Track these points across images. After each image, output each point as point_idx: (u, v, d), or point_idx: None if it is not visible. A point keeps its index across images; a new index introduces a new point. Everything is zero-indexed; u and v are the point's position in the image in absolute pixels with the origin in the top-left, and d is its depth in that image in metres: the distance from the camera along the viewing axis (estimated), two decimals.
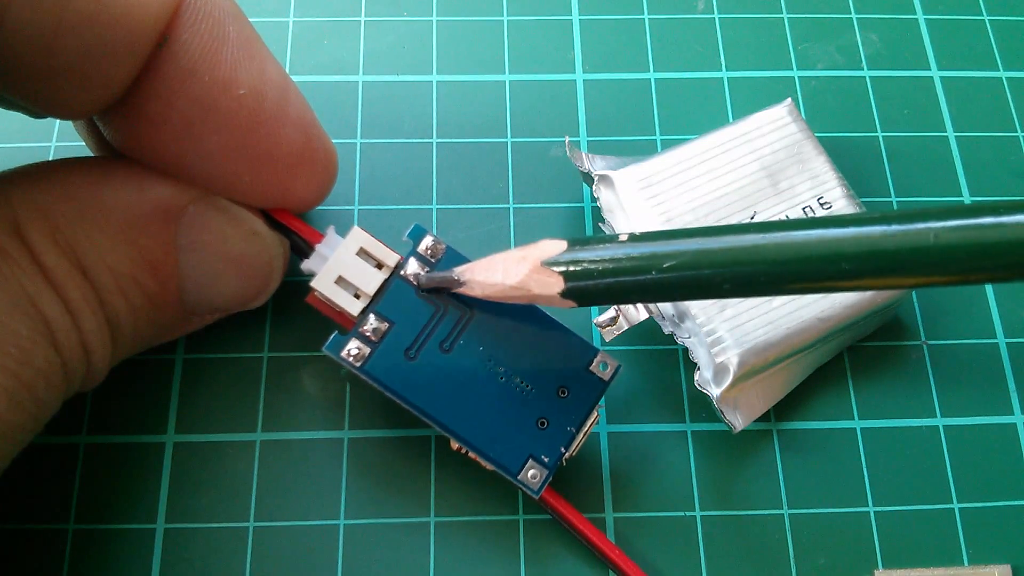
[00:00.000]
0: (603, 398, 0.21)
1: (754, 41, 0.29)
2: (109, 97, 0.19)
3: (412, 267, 0.21)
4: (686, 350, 0.23)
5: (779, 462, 0.24)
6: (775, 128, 0.25)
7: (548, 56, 0.28)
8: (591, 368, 0.21)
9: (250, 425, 0.23)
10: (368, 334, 0.20)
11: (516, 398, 0.21)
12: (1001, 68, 0.29)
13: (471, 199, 0.26)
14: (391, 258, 0.21)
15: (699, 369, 0.23)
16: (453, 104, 0.27)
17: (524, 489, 0.20)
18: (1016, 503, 0.23)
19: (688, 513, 0.23)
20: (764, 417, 0.24)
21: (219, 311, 0.22)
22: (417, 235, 0.21)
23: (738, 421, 0.23)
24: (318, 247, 0.21)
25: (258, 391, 0.24)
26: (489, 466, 0.21)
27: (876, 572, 0.22)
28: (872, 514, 0.23)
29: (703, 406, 0.24)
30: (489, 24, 0.29)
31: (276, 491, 0.23)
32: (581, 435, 0.21)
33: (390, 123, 0.27)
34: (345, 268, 0.21)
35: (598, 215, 0.25)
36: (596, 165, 0.25)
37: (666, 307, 0.23)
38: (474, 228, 0.26)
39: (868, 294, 0.23)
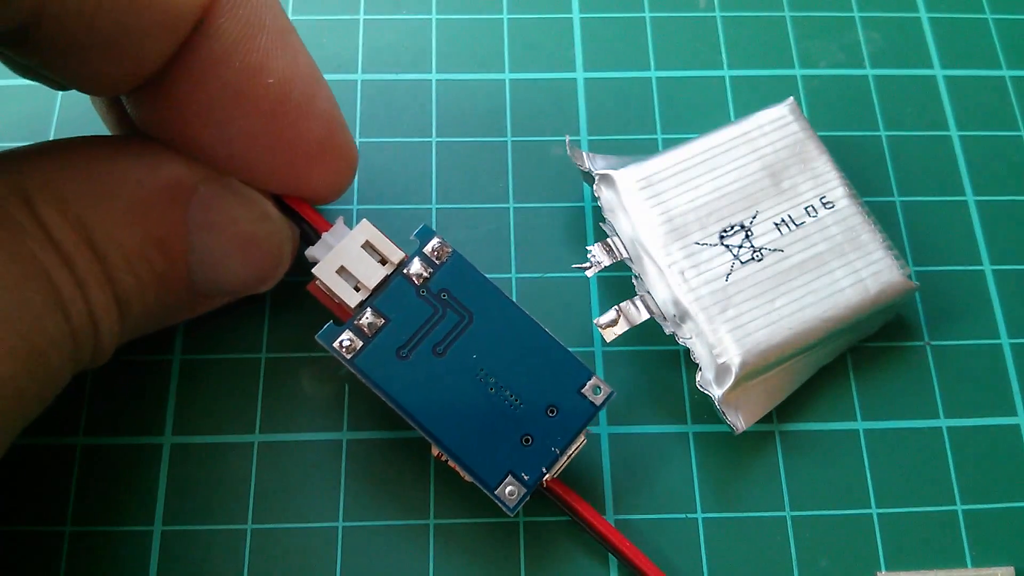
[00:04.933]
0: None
1: (756, 39, 0.29)
2: (141, 76, 0.19)
3: (415, 267, 0.21)
4: (687, 351, 0.23)
5: (781, 464, 0.23)
6: (777, 127, 0.24)
7: (548, 54, 0.28)
8: (583, 391, 0.21)
9: (248, 427, 0.23)
10: (363, 328, 0.20)
11: (504, 411, 0.20)
12: (1004, 67, 0.29)
13: (471, 198, 0.26)
14: (396, 255, 0.21)
15: (701, 370, 0.22)
16: (452, 103, 0.27)
17: (500, 505, 0.20)
18: (1019, 505, 0.23)
19: (690, 515, 0.23)
20: (766, 418, 0.24)
21: (228, 294, 0.22)
22: (424, 235, 0.21)
23: (740, 422, 0.22)
24: (325, 235, 0.21)
25: (256, 392, 0.23)
26: (468, 477, 0.20)
27: (879, 574, 0.22)
28: (875, 516, 0.23)
29: (704, 407, 0.24)
30: (489, 22, 0.28)
31: (274, 493, 0.23)
32: (565, 458, 0.20)
33: (389, 122, 0.27)
34: (349, 259, 0.21)
35: (599, 215, 0.24)
36: (597, 164, 0.24)
37: (668, 307, 0.23)
38: (474, 228, 0.25)
39: (871, 294, 0.23)
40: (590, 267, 0.23)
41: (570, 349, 0.21)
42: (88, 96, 0.23)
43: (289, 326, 0.24)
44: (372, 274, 0.21)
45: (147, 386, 0.23)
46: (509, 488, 0.20)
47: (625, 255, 0.23)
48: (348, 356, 0.20)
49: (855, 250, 0.23)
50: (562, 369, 0.21)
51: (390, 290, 0.21)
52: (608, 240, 0.24)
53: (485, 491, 0.20)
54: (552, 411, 0.21)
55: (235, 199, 0.21)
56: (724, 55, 0.28)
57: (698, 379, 0.22)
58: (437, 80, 0.27)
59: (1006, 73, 0.28)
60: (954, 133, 0.27)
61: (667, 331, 0.23)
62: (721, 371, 0.22)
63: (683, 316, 0.23)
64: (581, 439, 0.21)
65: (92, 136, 0.20)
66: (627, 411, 0.24)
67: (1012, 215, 0.26)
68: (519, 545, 0.22)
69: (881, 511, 0.23)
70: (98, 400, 0.23)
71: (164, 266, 0.20)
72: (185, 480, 0.23)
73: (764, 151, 0.24)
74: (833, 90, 0.28)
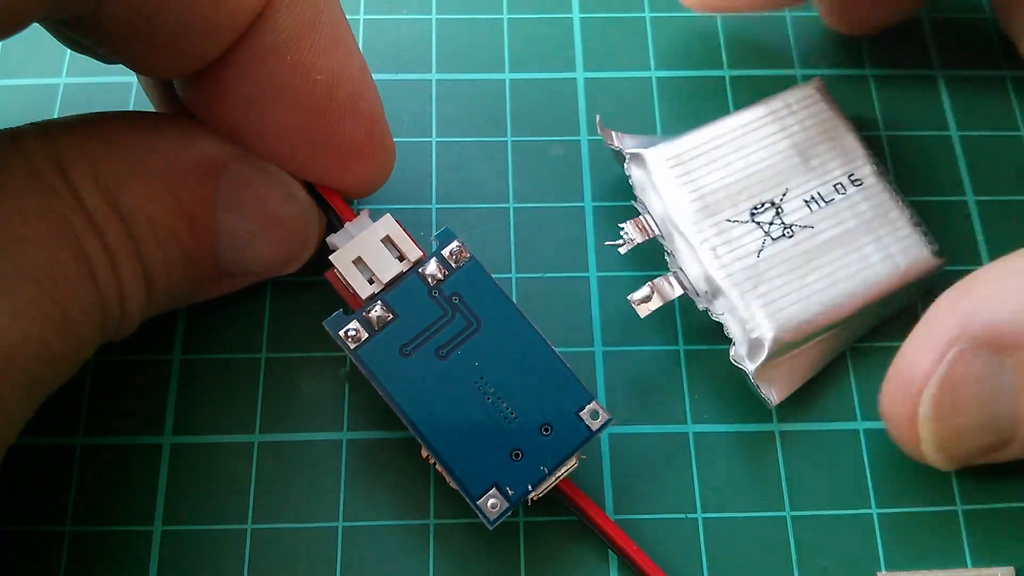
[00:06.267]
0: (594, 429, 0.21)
1: (756, 39, 0.29)
2: (198, 65, 0.19)
3: (431, 267, 0.21)
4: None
5: (781, 464, 0.23)
6: (804, 106, 0.25)
7: (548, 54, 0.28)
8: (581, 414, 0.21)
9: (248, 426, 0.23)
10: (371, 320, 0.20)
11: (498, 423, 0.20)
12: (1004, 67, 0.29)
13: (471, 198, 0.26)
14: (414, 253, 0.21)
15: (734, 344, 0.23)
16: (452, 102, 0.27)
17: (480, 517, 0.20)
18: (1020, 505, 0.23)
19: (690, 515, 0.23)
20: (766, 418, 0.24)
21: (253, 274, 0.22)
22: (445, 238, 0.21)
23: (774, 396, 0.23)
24: (347, 225, 0.22)
25: (256, 392, 0.23)
26: (453, 483, 0.20)
27: (879, 574, 0.22)
28: (875, 516, 0.23)
29: (705, 407, 0.24)
30: (489, 22, 0.28)
31: (274, 493, 0.23)
32: (552, 478, 0.20)
33: (389, 121, 0.27)
34: (367, 251, 0.21)
35: (629, 193, 0.24)
36: (627, 144, 0.25)
37: (700, 284, 0.23)
38: (474, 228, 0.25)
39: (900, 269, 0.23)
40: (623, 244, 0.23)
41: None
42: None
43: (289, 326, 0.24)
44: (387, 268, 0.21)
45: (147, 386, 0.23)
46: (492, 500, 0.20)
47: (657, 232, 0.24)
48: (352, 346, 0.20)
49: (884, 226, 0.23)
50: (563, 389, 0.21)
51: (403, 287, 0.21)
52: (640, 218, 0.24)
53: (467, 500, 0.20)
54: (546, 429, 0.20)
55: (264, 179, 0.21)
56: (724, 55, 0.28)
57: (732, 353, 0.23)
58: (437, 80, 0.27)
59: (1006, 73, 0.28)
60: (954, 133, 0.27)
61: (700, 306, 0.23)
62: (754, 346, 0.22)
63: (715, 292, 0.23)
64: (572, 462, 0.20)
65: (129, 111, 0.21)
66: (627, 411, 0.24)
67: (1012, 215, 0.26)
68: (519, 545, 0.22)
69: (881, 511, 0.23)
70: (98, 400, 0.23)
71: (191, 242, 0.20)
72: (185, 480, 0.23)
73: (792, 129, 0.24)
74: (833, 90, 0.28)
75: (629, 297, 0.23)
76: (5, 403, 0.17)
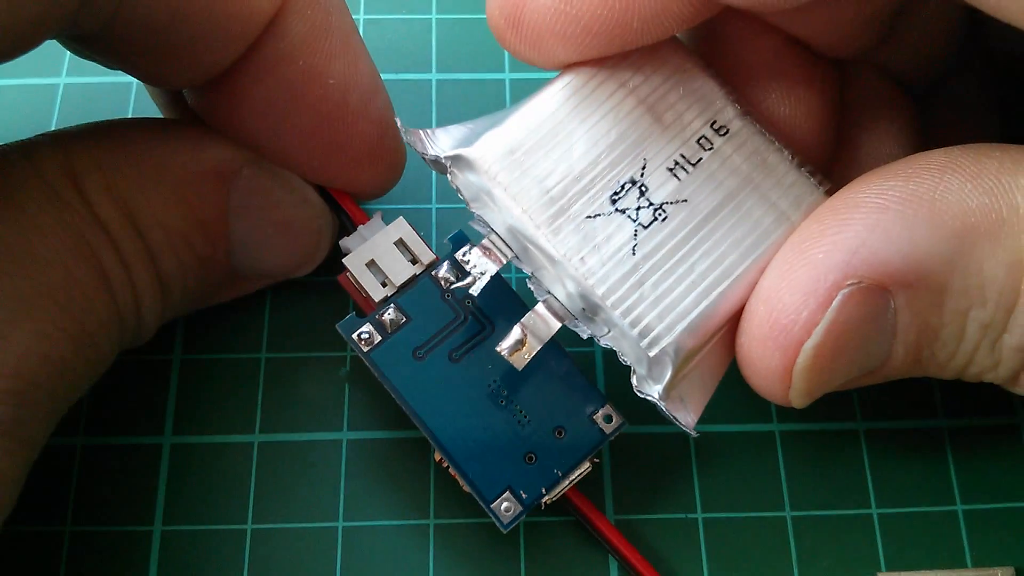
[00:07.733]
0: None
1: None
2: (208, 76, 0.20)
3: (444, 271, 0.21)
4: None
5: (781, 463, 0.23)
6: (644, 52, 0.20)
7: None
8: (594, 417, 0.21)
9: (248, 426, 0.23)
10: (384, 323, 0.20)
11: (511, 426, 0.20)
12: None
13: None
14: (427, 256, 0.21)
15: (634, 372, 0.19)
16: (452, 102, 0.27)
17: (495, 520, 0.20)
18: (1019, 505, 0.23)
19: (690, 515, 0.23)
20: (766, 418, 0.24)
21: (267, 276, 0.23)
22: (457, 241, 0.21)
23: (690, 417, 0.19)
24: (361, 228, 0.22)
25: (256, 392, 0.23)
26: (466, 487, 0.20)
27: (879, 574, 0.22)
28: (875, 516, 0.23)
29: (705, 407, 0.24)
30: None
31: (274, 493, 0.23)
32: (567, 482, 0.20)
33: None
34: (380, 253, 0.21)
35: (468, 214, 0.20)
36: (441, 144, 0.19)
37: (574, 303, 0.19)
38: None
39: (793, 225, 0.19)
40: (473, 282, 0.19)
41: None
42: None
43: (289, 326, 0.24)
44: (400, 271, 0.21)
45: (147, 386, 0.23)
46: (505, 504, 0.20)
47: (510, 254, 0.19)
48: (365, 349, 0.20)
49: (764, 177, 0.19)
50: (576, 393, 0.21)
51: (416, 289, 0.21)
52: (485, 241, 0.19)
53: (481, 504, 0.20)
54: (560, 433, 0.20)
55: (277, 183, 0.21)
56: None
57: (634, 382, 0.19)
58: (437, 80, 0.27)
59: None
60: None
61: (584, 335, 0.19)
62: (655, 364, 0.18)
63: (594, 310, 0.19)
64: (586, 465, 0.20)
65: (140, 118, 0.21)
66: (628, 411, 0.24)
67: None
68: (519, 545, 0.22)
69: (881, 511, 0.23)
70: (98, 400, 0.23)
71: (205, 247, 0.20)
72: (185, 480, 0.23)
73: (634, 82, 0.19)
74: None
75: (498, 348, 0.19)
76: (28, 427, 0.17)
